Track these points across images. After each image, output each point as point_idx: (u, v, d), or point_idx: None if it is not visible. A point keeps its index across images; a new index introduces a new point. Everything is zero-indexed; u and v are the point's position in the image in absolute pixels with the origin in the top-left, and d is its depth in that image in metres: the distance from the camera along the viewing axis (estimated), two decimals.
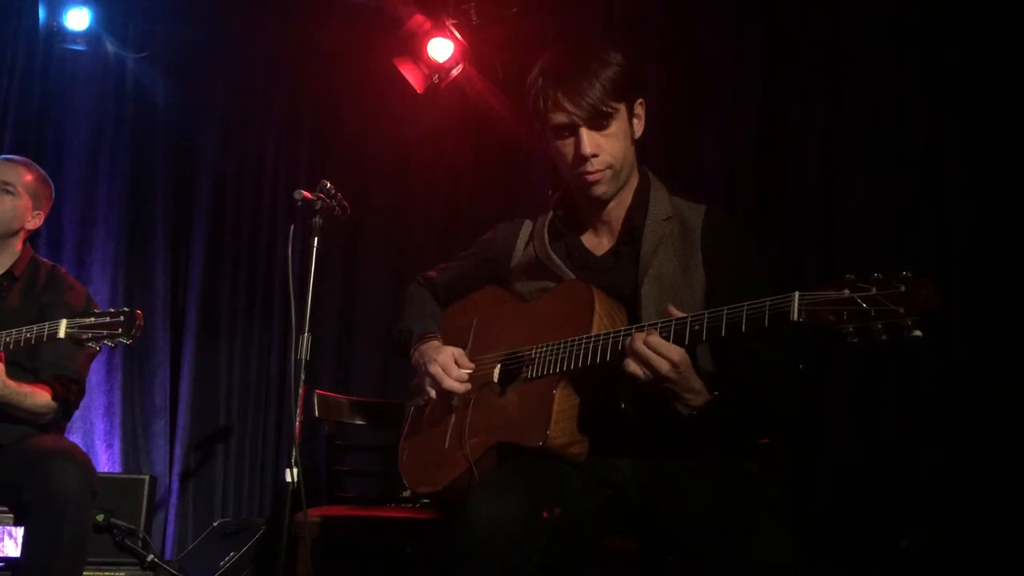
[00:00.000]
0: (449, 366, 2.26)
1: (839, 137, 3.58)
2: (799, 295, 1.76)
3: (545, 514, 2.02)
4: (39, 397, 2.88)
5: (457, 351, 2.30)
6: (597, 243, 2.29)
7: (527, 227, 2.39)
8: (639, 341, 1.94)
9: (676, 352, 1.93)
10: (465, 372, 2.26)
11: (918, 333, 1.65)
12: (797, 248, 3.61)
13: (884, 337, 1.67)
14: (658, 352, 1.93)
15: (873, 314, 1.67)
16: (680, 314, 1.95)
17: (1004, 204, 3.18)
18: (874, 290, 1.68)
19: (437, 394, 2.28)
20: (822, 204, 3.59)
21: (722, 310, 1.88)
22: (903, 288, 1.65)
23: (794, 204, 3.66)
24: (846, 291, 1.71)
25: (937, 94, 3.37)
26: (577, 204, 2.30)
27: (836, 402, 3.42)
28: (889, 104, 3.47)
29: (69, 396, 2.96)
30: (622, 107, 2.15)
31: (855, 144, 3.54)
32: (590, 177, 2.16)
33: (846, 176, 3.53)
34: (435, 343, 2.35)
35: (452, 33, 4.45)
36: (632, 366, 1.95)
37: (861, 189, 3.50)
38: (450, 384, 2.24)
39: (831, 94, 3.62)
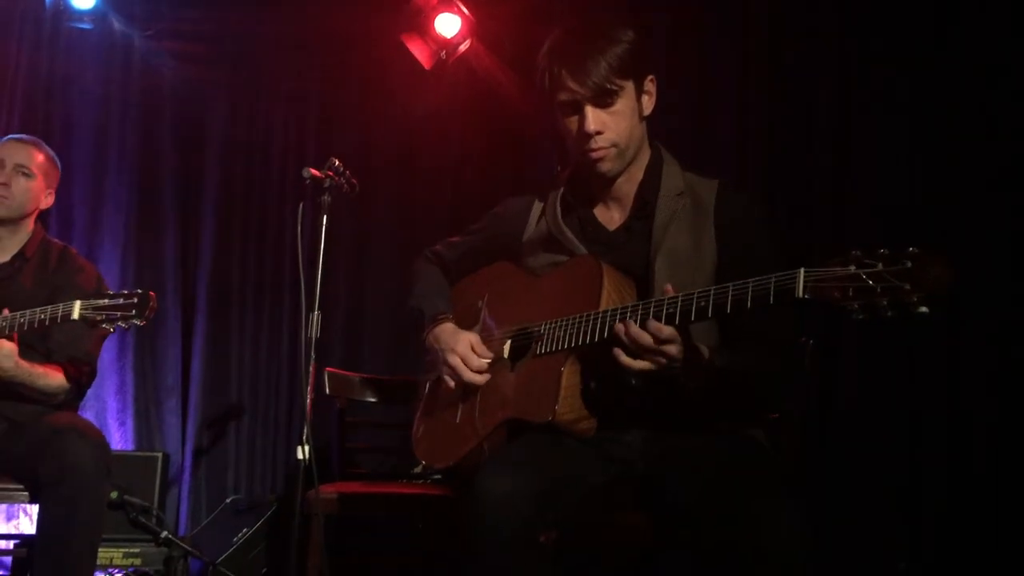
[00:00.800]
0: (469, 357, 2.26)
1: (851, 114, 3.56)
2: (804, 271, 1.76)
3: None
4: (52, 378, 2.90)
5: (474, 338, 2.30)
6: (609, 217, 2.29)
7: (539, 201, 2.39)
8: (646, 338, 1.92)
9: (675, 334, 1.93)
10: (485, 362, 2.26)
11: (924, 309, 1.63)
12: (807, 230, 3.59)
13: (890, 314, 1.66)
14: (668, 340, 1.93)
15: (879, 291, 1.66)
16: (672, 292, 1.94)
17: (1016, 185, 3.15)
18: (880, 266, 1.67)
19: (456, 385, 2.29)
20: (833, 184, 3.57)
21: (727, 287, 1.87)
22: (909, 264, 1.64)
23: (804, 183, 3.64)
24: (852, 267, 1.69)
25: (950, 75, 3.34)
26: (588, 179, 2.30)
27: (847, 376, 3.42)
28: (903, 84, 3.44)
29: (81, 378, 2.98)
30: (629, 84, 2.14)
31: (867, 124, 3.51)
32: (594, 154, 2.16)
33: (858, 156, 3.51)
34: (449, 326, 2.35)
35: (459, 8, 4.43)
36: (641, 364, 1.95)
37: (872, 170, 3.47)
38: (471, 377, 2.26)
39: (842, 72, 3.60)
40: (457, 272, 2.54)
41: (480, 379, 2.26)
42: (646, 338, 1.93)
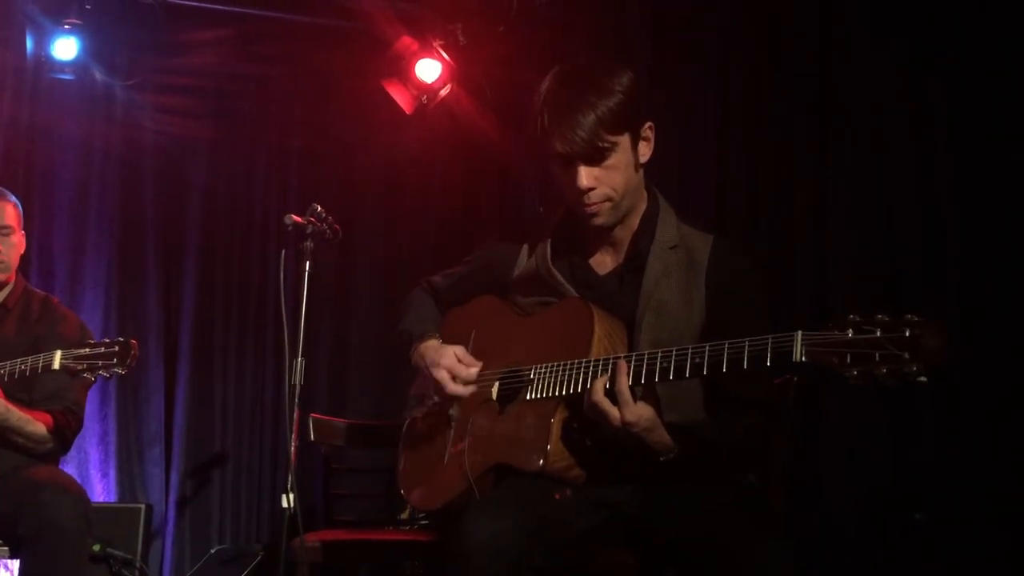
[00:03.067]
0: (456, 368, 2.22)
1: (828, 152, 3.59)
2: (802, 335, 1.75)
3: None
4: (40, 425, 2.87)
5: (459, 349, 2.26)
6: (601, 262, 2.26)
7: (529, 241, 2.36)
8: (598, 394, 1.98)
9: (632, 413, 1.96)
10: (474, 371, 2.22)
11: (923, 379, 1.63)
12: (789, 272, 3.61)
13: (889, 383, 1.65)
14: (617, 404, 1.96)
15: (877, 358, 1.65)
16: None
17: (996, 212, 3.18)
18: (879, 332, 1.67)
19: (441, 398, 2.26)
20: (814, 224, 3.59)
21: (723, 345, 1.87)
22: (908, 333, 1.64)
23: (784, 226, 3.66)
24: (849, 332, 1.69)
25: (925, 104, 3.38)
26: (581, 224, 2.25)
27: (832, 416, 3.42)
28: (877, 117, 3.48)
29: (66, 429, 2.95)
30: (623, 138, 2.09)
31: (844, 162, 3.55)
32: (588, 209, 2.14)
33: (835, 191, 3.54)
34: (434, 342, 2.31)
35: (440, 54, 4.47)
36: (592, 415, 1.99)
37: (851, 203, 3.50)
38: (454, 389, 2.21)
39: (819, 107, 3.64)
40: (449, 302, 2.51)
41: (464, 391, 2.21)
42: (597, 396, 1.98)
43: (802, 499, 3.28)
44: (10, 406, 2.79)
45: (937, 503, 3.16)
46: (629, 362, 1.99)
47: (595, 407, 1.99)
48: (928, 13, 3.35)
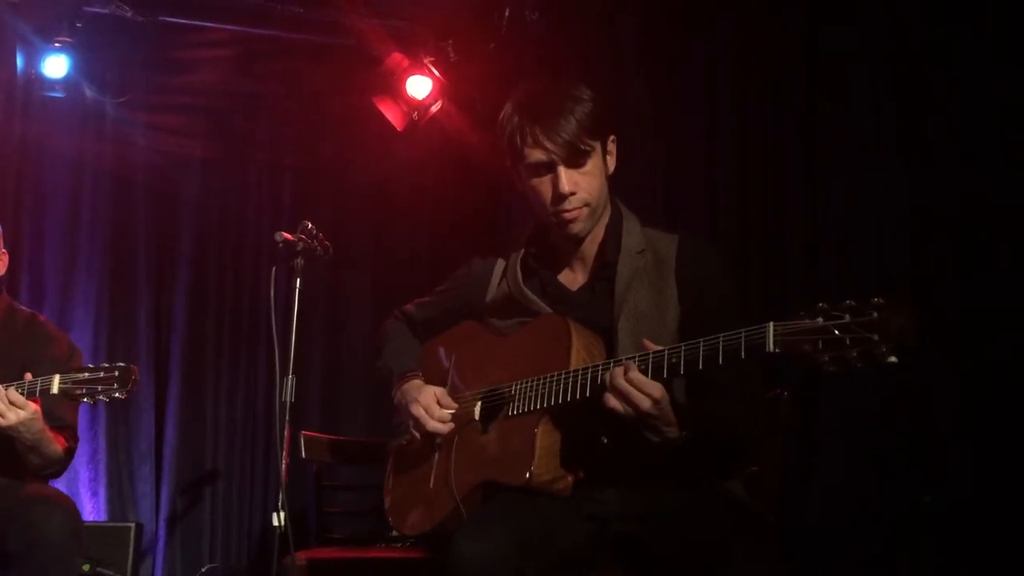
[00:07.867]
0: (432, 407, 2.25)
1: (816, 163, 3.61)
2: (773, 325, 1.78)
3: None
4: (58, 446, 2.83)
5: (439, 390, 2.29)
6: (572, 278, 2.29)
7: (500, 263, 2.38)
8: (620, 378, 1.94)
9: (657, 389, 1.93)
10: (448, 412, 2.25)
11: (893, 360, 1.66)
12: (781, 274, 3.62)
13: (859, 365, 1.68)
14: (640, 389, 1.92)
15: (848, 342, 1.69)
16: (655, 348, 1.95)
17: (989, 212, 3.19)
18: (847, 317, 1.70)
19: (421, 436, 2.28)
20: (805, 231, 3.61)
21: (698, 342, 1.88)
22: (875, 315, 1.67)
23: (776, 233, 3.68)
24: (820, 319, 1.72)
25: (912, 115, 3.41)
26: (549, 240, 2.29)
27: (825, 421, 3.43)
28: (865, 126, 3.51)
29: (73, 448, 2.93)
30: (598, 145, 2.15)
31: (833, 168, 3.57)
32: (568, 215, 2.16)
33: (826, 200, 3.56)
34: (416, 382, 2.34)
35: (430, 70, 4.50)
36: (612, 402, 1.95)
37: (842, 209, 3.52)
38: (433, 426, 2.24)
39: (807, 118, 3.65)
40: (425, 332, 2.53)
41: (443, 428, 2.24)
42: (619, 380, 1.92)
43: (794, 511, 3.28)
44: (45, 428, 2.75)
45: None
46: (608, 368, 1.99)
47: (620, 390, 1.93)
48: (917, 17, 3.38)
